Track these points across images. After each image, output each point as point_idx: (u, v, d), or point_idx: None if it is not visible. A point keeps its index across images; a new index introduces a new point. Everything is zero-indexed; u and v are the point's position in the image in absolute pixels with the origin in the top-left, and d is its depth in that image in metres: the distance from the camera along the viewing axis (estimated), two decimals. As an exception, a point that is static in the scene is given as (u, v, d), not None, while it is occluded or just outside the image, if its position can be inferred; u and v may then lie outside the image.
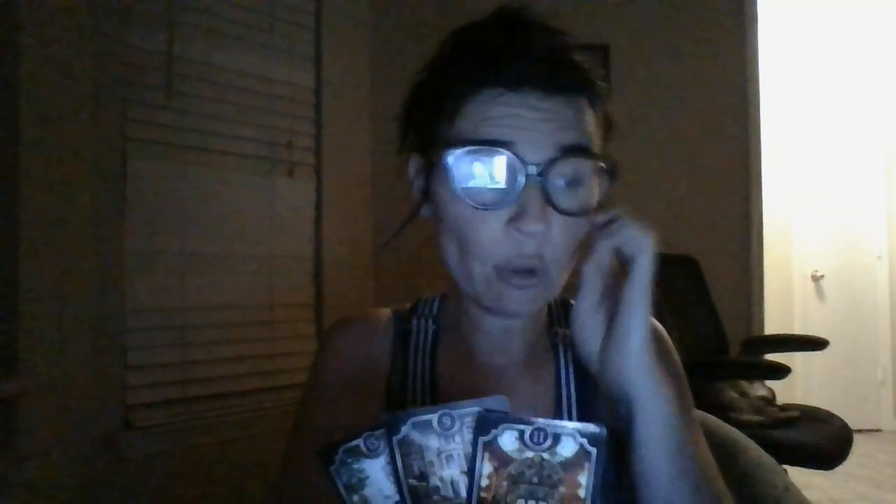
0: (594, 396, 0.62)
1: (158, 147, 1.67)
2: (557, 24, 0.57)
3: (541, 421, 0.37)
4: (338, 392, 0.65)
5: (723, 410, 2.03)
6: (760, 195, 2.61)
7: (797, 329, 4.04)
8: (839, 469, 1.89)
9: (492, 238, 0.54)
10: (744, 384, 2.11)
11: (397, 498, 0.37)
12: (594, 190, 0.56)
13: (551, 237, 0.54)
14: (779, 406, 2.12)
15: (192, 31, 1.73)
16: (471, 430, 0.37)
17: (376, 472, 0.37)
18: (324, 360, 0.67)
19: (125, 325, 1.60)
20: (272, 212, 1.91)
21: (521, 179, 0.52)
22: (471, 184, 0.54)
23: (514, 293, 0.56)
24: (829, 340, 2.24)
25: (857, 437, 1.97)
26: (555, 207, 0.53)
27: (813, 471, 1.93)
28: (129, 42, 1.61)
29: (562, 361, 0.64)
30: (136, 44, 1.63)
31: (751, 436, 0.79)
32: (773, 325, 2.81)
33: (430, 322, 0.67)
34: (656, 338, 0.65)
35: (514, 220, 0.53)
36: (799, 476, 1.85)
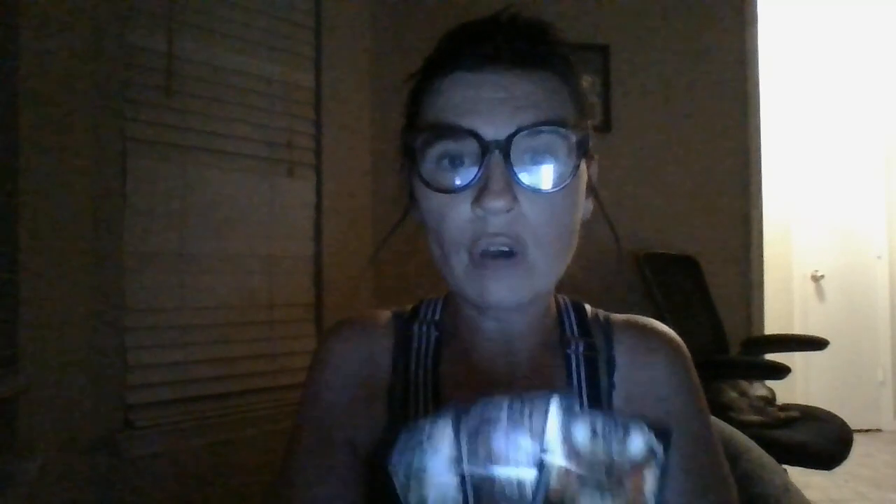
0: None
1: (158, 147, 1.67)
2: (550, 21, 0.57)
3: (611, 413, 0.36)
4: (335, 402, 0.62)
5: (723, 410, 2.03)
6: (760, 195, 2.61)
7: (797, 329, 4.03)
8: (839, 469, 1.89)
9: (459, 221, 0.53)
10: (744, 384, 2.11)
11: (458, 494, 0.34)
12: (570, 166, 0.53)
13: (525, 215, 0.53)
14: (779, 406, 2.12)
15: (192, 31, 1.73)
16: (541, 421, 0.34)
17: (437, 465, 0.34)
18: (321, 369, 0.64)
19: (125, 325, 1.60)
20: (272, 212, 1.91)
21: (483, 158, 0.51)
22: (436, 171, 0.54)
23: (491, 281, 0.53)
24: (829, 340, 2.24)
25: (857, 437, 1.97)
26: (520, 183, 0.51)
27: (813, 471, 1.92)
28: (129, 42, 1.61)
29: (574, 374, 0.60)
30: (136, 44, 1.63)
31: (751, 436, 0.79)
32: (773, 325, 2.81)
33: (433, 328, 0.64)
34: (675, 354, 0.62)
35: (477, 199, 0.52)
36: (799, 476, 1.85)
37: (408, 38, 2.18)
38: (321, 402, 0.63)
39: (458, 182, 0.53)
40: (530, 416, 0.35)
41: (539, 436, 0.34)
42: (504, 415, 0.35)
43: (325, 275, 2.01)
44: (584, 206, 0.59)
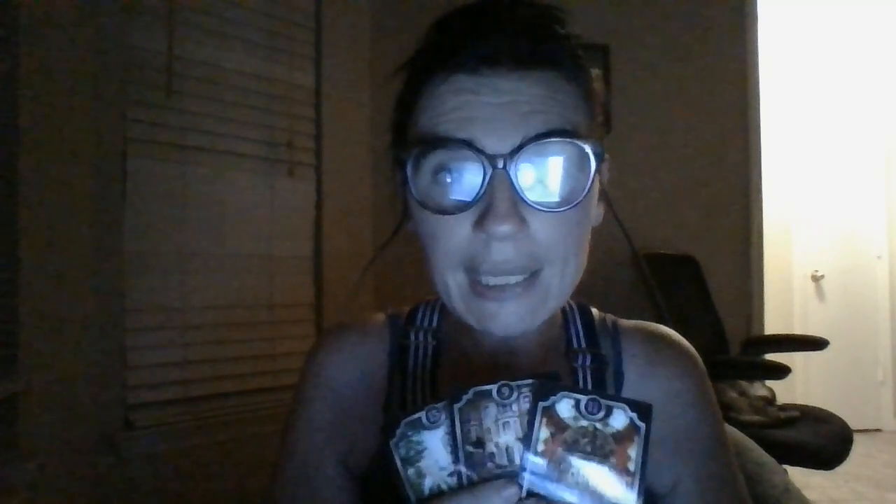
0: None
1: (158, 147, 1.67)
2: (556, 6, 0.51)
3: (595, 392, 0.38)
4: (327, 420, 0.58)
5: (723, 410, 2.03)
6: (760, 195, 2.61)
7: (797, 329, 4.03)
8: (839, 469, 1.89)
9: (458, 243, 0.47)
10: (744, 384, 2.11)
11: (452, 469, 0.38)
12: (582, 176, 0.47)
13: (534, 236, 0.47)
14: (779, 406, 2.12)
15: (192, 31, 1.73)
16: (527, 400, 0.38)
17: (434, 443, 0.38)
18: (312, 385, 0.60)
19: (125, 325, 1.60)
20: (272, 212, 1.91)
21: (485, 175, 0.45)
22: (431, 188, 0.48)
23: (496, 308, 0.48)
24: (829, 340, 2.24)
25: (857, 437, 1.97)
26: (528, 202, 0.45)
27: (813, 471, 1.92)
28: (130, 42, 1.61)
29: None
30: (137, 44, 1.63)
31: (751, 436, 0.79)
32: (773, 325, 2.81)
33: (430, 337, 0.59)
34: (688, 366, 0.58)
35: (480, 221, 0.45)
36: (799, 476, 1.85)
37: (408, 39, 2.18)
38: (312, 421, 0.59)
39: (456, 201, 0.47)
40: (517, 399, 0.38)
41: (526, 417, 0.37)
42: (493, 399, 0.38)
43: (325, 275, 2.01)
44: (596, 211, 0.55)
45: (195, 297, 1.73)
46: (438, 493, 0.37)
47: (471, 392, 0.38)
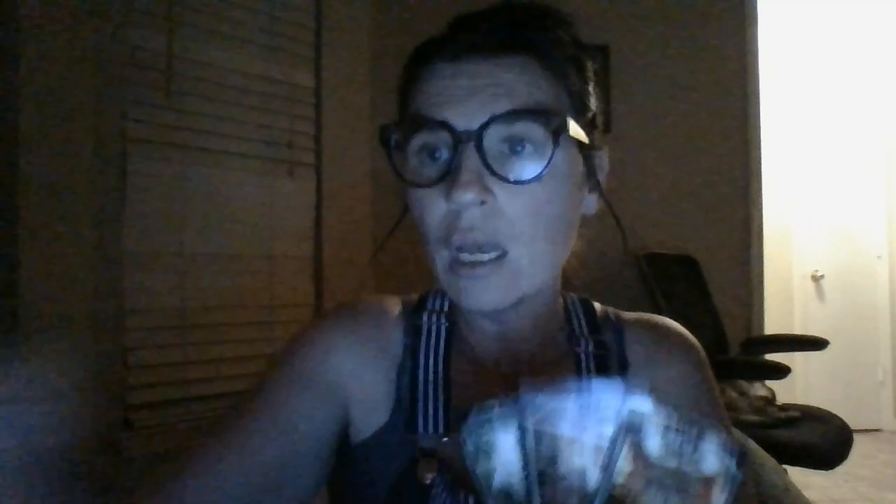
0: None
1: (158, 147, 1.67)
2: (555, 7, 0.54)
3: (687, 426, 0.34)
4: (341, 362, 0.57)
5: (723, 410, 2.03)
6: (760, 195, 2.61)
7: (797, 329, 4.04)
8: (839, 469, 1.89)
9: (436, 217, 0.51)
10: (744, 384, 2.11)
11: (522, 475, 0.34)
12: (548, 155, 0.49)
13: (502, 210, 0.50)
14: (779, 406, 2.12)
15: (192, 31, 1.73)
16: (610, 423, 0.34)
17: (505, 446, 0.35)
18: (328, 332, 0.58)
19: (125, 325, 1.60)
20: (272, 212, 1.91)
21: (456, 150, 0.49)
22: (417, 169, 0.52)
23: (469, 284, 0.51)
24: (829, 340, 2.24)
25: (857, 437, 1.97)
26: (494, 173, 0.48)
27: (813, 471, 1.92)
28: (129, 42, 1.61)
29: (584, 374, 0.56)
30: (136, 44, 1.63)
31: (751, 436, 0.79)
32: (773, 325, 2.81)
33: (443, 318, 0.60)
34: (690, 354, 0.59)
35: (447, 192, 0.49)
36: (799, 476, 1.85)
37: (408, 39, 2.18)
38: (325, 355, 0.57)
39: (431, 175, 0.51)
40: (597, 416, 0.34)
41: (604, 437, 0.33)
42: (571, 410, 0.34)
43: (325, 275, 2.01)
44: (587, 201, 0.57)
45: (195, 297, 1.73)
46: (507, 492, 0.34)
47: (547, 397, 0.34)
